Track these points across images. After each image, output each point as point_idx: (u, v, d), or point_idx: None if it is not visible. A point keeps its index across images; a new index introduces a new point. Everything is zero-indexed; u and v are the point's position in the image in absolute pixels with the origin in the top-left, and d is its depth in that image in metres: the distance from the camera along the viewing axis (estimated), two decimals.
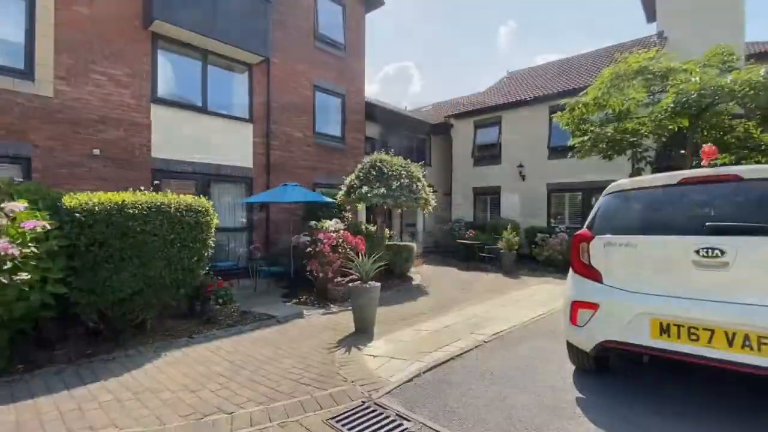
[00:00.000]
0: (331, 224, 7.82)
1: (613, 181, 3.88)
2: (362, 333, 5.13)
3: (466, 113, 16.56)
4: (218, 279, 6.28)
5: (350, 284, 5.48)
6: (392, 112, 15.13)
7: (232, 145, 9.44)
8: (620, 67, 8.23)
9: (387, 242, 9.77)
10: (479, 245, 11.48)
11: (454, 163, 17.11)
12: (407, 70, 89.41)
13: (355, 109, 12.74)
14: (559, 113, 8.34)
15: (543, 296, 7.43)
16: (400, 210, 15.88)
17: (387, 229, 11.15)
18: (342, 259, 7.10)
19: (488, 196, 16.00)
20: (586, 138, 8.76)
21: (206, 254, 5.42)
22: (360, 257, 5.85)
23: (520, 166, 14.58)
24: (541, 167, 14.26)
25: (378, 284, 5.38)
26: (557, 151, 13.92)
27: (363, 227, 9.54)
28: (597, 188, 12.90)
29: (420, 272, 10.59)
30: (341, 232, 7.63)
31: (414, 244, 9.52)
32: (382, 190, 8.17)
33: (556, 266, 11.30)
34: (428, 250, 15.52)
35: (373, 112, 14.50)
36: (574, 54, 19.78)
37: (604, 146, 8.91)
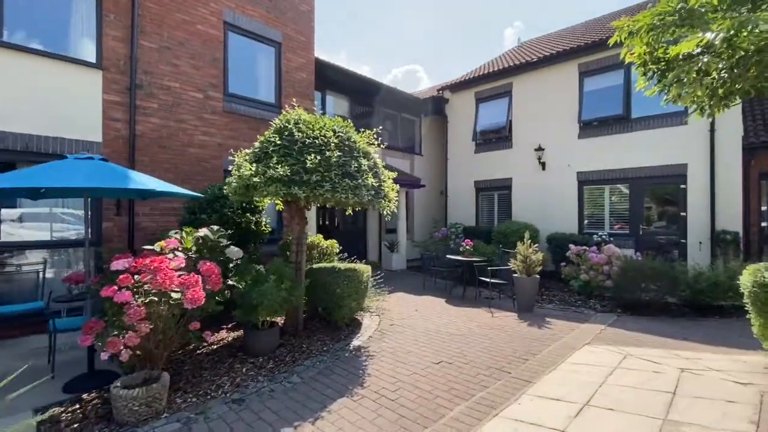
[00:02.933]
0: (172, 240, 3.91)
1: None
2: None
3: (466, 83, 12.55)
4: None
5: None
6: (363, 79, 11.21)
7: (59, 105, 5.62)
8: None
9: (319, 265, 5.82)
10: (481, 264, 7.49)
11: (449, 150, 13.08)
12: (415, 73, 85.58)
13: (300, 67, 8.84)
14: (626, 45, 4.23)
15: (628, 397, 3.35)
16: (382, 212, 11.98)
17: (329, 241, 7.21)
18: (156, 318, 3.17)
19: (495, 193, 11.93)
20: (670, 76, 4.58)
21: None
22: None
23: (539, 149, 10.50)
24: (569, 150, 10.18)
25: None
26: (592, 127, 9.82)
27: (301, 240, 5.61)
28: (654, 177, 8.76)
29: (384, 311, 6.59)
30: (183, 256, 3.69)
31: (365, 269, 5.60)
32: (280, 170, 4.24)
33: (602, 299, 7.20)
34: (414, 267, 11.50)
35: (333, 77, 10.58)
36: (604, 13, 15.58)
37: (702, 93, 4.75)
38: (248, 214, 6.02)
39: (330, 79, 10.66)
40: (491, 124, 11.95)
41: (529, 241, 6.69)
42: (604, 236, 8.96)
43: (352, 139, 5.01)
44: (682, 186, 8.50)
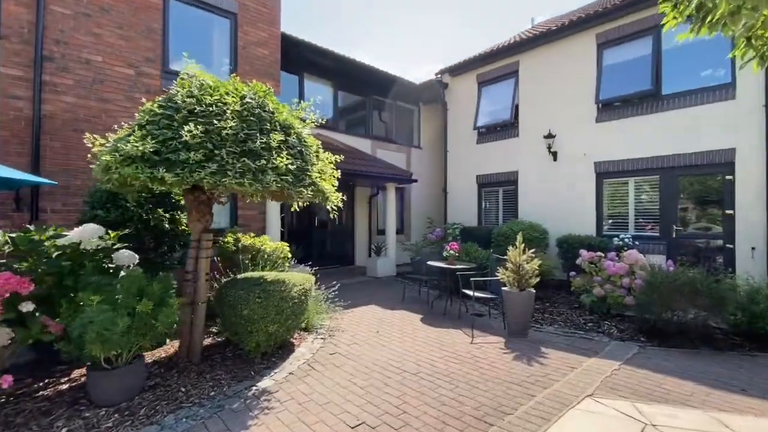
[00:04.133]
0: None
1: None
2: None
3: (467, 64, 11.06)
4: None
5: None
6: (348, 62, 9.94)
7: None
8: None
9: (246, 275, 4.57)
10: (466, 272, 6.08)
11: (449, 141, 11.62)
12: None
13: (261, 42, 7.68)
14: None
15: None
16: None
17: (275, 244, 5.98)
18: None
19: (500, 189, 10.39)
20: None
21: None
22: None
23: (549, 136, 8.92)
24: (585, 137, 8.56)
25: None
26: (613, 108, 8.18)
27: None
28: (691, 167, 7.08)
29: (337, 332, 5.31)
30: None
31: (300, 281, 4.33)
32: (139, 146, 3.03)
33: (621, 321, 5.63)
34: (404, 273, 10.13)
35: (312, 58, 9.38)
36: None
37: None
38: (160, 210, 4.86)
39: (308, 60, 9.47)
40: (495, 110, 10.42)
41: (523, 245, 5.22)
42: (627, 239, 7.32)
43: (268, 108, 3.74)
44: (728, 177, 6.75)
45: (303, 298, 4.42)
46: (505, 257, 5.37)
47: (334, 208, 4.60)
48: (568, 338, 5.01)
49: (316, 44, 9.19)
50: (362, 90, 11.06)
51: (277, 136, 3.58)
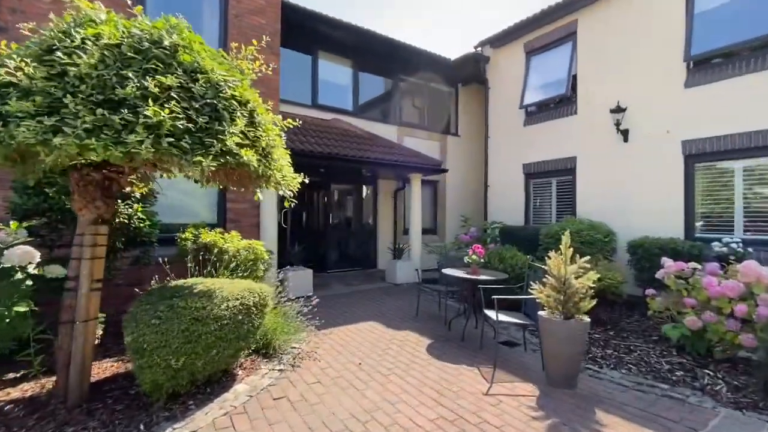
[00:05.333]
0: None
1: None
2: None
3: (512, 32, 9.23)
4: None
5: None
6: (370, 36, 8.66)
7: None
8: None
9: (180, 282, 3.48)
10: (492, 285, 4.48)
11: (490, 125, 9.87)
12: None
13: (257, 10, 6.67)
14: None
15: None
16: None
17: (244, 243, 4.83)
18: None
19: (552, 180, 8.47)
20: None
21: None
22: None
23: (618, 110, 6.90)
24: (668, 108, 6.44)
25: None
26: (710, 67, 6.04)
27: None
28: None
29: (308, 359, 4.06)
30: None
31: (255, 293, 3.15)
32: None
33: (733, 368, 3.69)
34: (431, 280, 8.64)
35: (328, 33, 8.26)
36: None
37: None
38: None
39: (323, 35, 8.37)
40: (547, 84, 8.51)
41: (570, 249, 3.54)
42: (733, 245, 5.19)
43: (164, 44, 2.56)
44: None
45: (245, 317, 3.20)
46: (544, 265, 3.71)
47: (288, 194, 3.34)
48: (642, 396, 3.25)
49: (332, 16, 8.04)
50: (387, 70, 9.72)
51: (168, 80, 2.38)
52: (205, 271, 4.19)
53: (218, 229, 5.00)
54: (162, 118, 2.24)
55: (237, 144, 2.64)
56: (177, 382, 2.82)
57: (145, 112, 2.21)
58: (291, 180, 3.49)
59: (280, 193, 3.42)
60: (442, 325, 5.24)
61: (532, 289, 3.79)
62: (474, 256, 4.77)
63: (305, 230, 8.98)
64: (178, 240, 4.56)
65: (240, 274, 4.47)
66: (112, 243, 4.18)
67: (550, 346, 3.48)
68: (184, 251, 4.54)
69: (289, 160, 3.53)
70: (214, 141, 2.50)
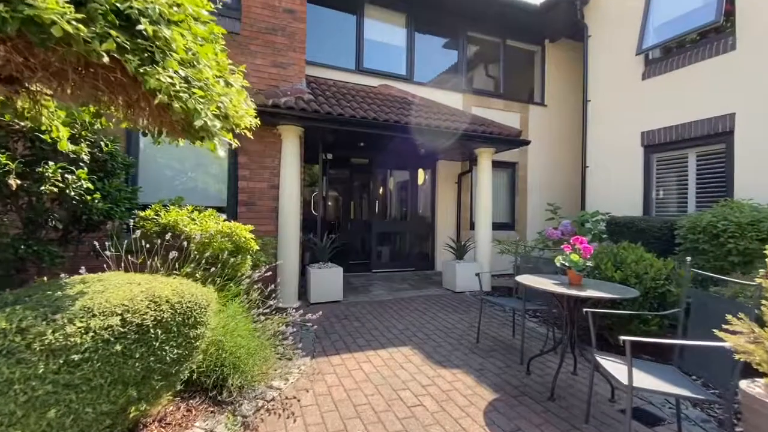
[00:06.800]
0: None
1: None
2: None
3: None
4: None
5: None
6: None
7: None
8: None
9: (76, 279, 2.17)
10: (610, 306, 2.48)
11: (590, 86, 7.41)
12: None
13: None
14: None
15: None
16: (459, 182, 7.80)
17: (226, 225, 3.42)
18: None
19: (690, 152, 5.84)
20: None
21: None
22: None
23: None
24: None
25: None
26: None
27: None
28: None
29: (271, 413, 2.50)
30: None
31: (193, 298, 1.77)
32: None
33: None
34: (501, 289, 6.61)
35: None
36: None
37: None
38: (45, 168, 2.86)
39: None
40: (681, 13, 5.91)
41: None
42: None
43: None
44: None
45: (136, 346, 1.77)
46: (721, 279, 1.65)
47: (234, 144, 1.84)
48: None
49: None
50: (450, 25, 7.86)
51: None
52: (177, 265, 2.88)
53: (210, 210, 3.71)
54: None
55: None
56: None
57: None
58: (238, 118, 2.01)
59: (220, 147, 1.95)
60: (517, 363, 3.31)
61: (691, 323, 1.74)
62: (574, 256, 2.77)
63: (345, 221, 7.57)
64: (137, 221, 3.36)
65: (222, 272, 3.11)
66: (45, 217, 3.13)
67: None
68: (145, 236, 3.32)
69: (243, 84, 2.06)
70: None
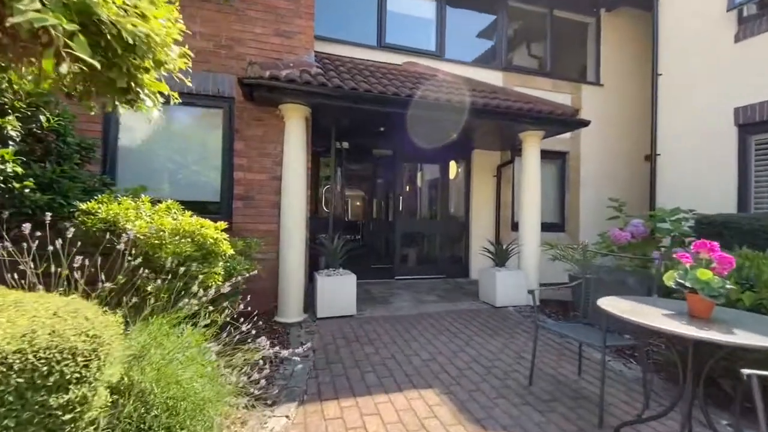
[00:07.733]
0: None
1: None
2: None
3: None
4: None
5: None
6: None
7: None
8: None
9: None
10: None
11: (660, 56, 6.08)
12: None
13: None
14: None
15: None
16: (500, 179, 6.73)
17: (189, 222, 2.56)
18: None
19: None
20: None
21: None
22: None
23: None
24: None
25: None
26: None
27: None
28: None
29: None
30: None
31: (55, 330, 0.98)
32: None
33: None
34: (552, 304, 5.45)
35: None
36: None
37: None
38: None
39: None
40: None
41: None
42: None
43: None
44: None
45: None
46: None
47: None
48: None
49: None
50: None
51: None
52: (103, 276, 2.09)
53: (168, 201, 2.92)
54: None
55: None
56: None
57: None
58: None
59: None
60: (594, 427, 2.25)
61: None
62: (704, 273, 1.69)
63: (365, 220, 6.67)
64: (76, 215, 2.60)
65: (171, 285, 2.29)
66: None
67: None
68: (91, 233, 2.56)
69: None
70: None
